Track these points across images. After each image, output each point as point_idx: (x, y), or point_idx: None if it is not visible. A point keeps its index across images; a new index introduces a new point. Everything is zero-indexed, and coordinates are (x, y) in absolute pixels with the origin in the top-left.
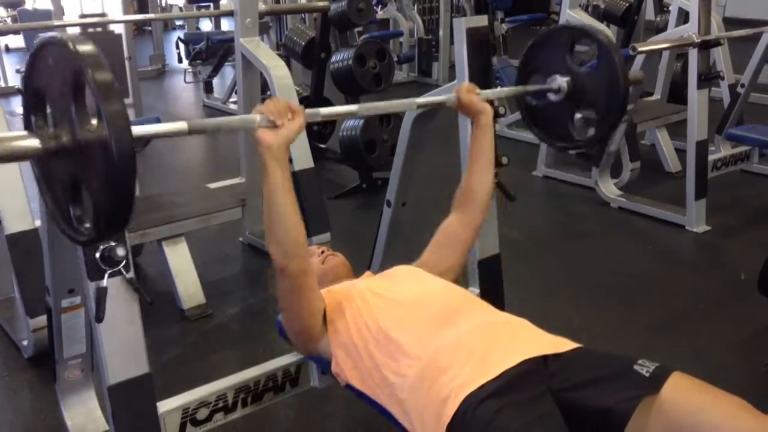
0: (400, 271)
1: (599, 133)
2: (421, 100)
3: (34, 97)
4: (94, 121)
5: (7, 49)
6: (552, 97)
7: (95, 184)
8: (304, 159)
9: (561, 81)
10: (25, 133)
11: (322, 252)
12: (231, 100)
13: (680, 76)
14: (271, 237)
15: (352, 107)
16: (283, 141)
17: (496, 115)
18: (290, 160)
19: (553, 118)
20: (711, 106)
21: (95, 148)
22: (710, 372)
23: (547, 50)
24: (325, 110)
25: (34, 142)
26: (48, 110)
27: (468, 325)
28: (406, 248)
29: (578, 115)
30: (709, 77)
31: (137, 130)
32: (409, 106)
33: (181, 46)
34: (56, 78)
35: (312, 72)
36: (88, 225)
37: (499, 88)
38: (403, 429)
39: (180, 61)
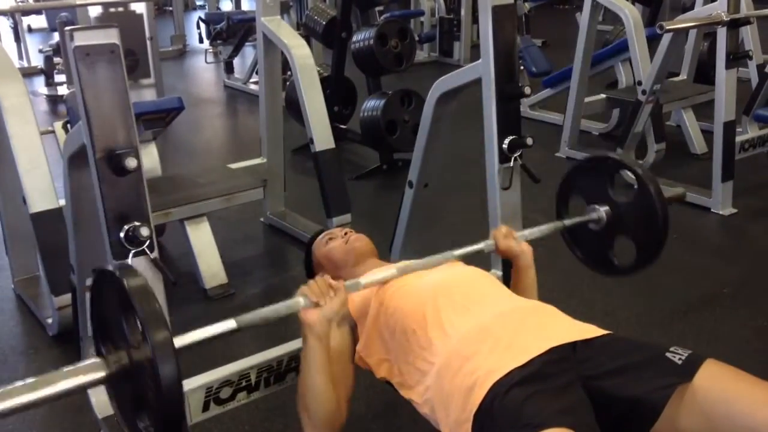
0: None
1: (639, 262)
2: (458, 252)
3: (100, 325)
4: (146, 350)
5: (30, 29)
6: (592, 226)
7: (149, 401)
8: (325, 140)
9: (601, 212)
10: (97, 360)
11: (345, 234)
12: (252, 80)
13: (707, 55)
14: (302, 405)
15: (391, 270)
16: (325, 319)
17: (522, 96)
18: (311, 141)
19: (594, 245)
20: (739, 86)
21: (147, 371)
22: (737, 357)
23: (588, 177)
24: (365, 280)
25: (101, 373)
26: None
27: (493, 312)
28: (427, 229)
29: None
30: (737, 57)
31: (183, 340)
32: (447, 258)
33: (202, 26)
34: (112, 308)
35: (333, 51)
36: None
37: (537, 228)
38: None
39: (201, 41)
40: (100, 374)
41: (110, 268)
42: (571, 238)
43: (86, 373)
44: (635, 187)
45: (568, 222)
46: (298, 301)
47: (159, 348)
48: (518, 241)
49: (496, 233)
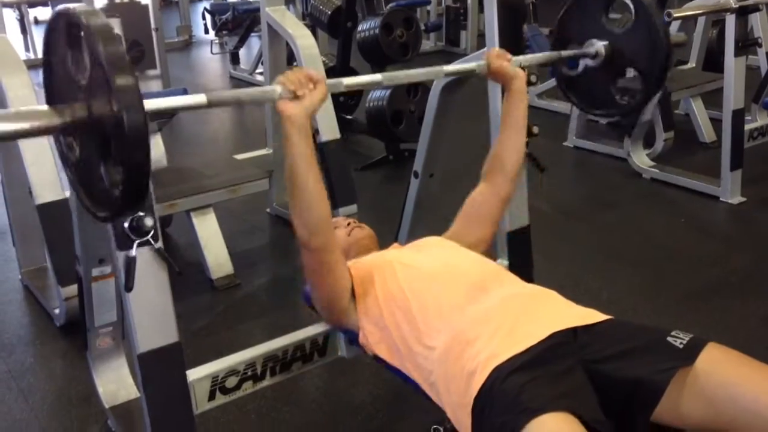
0: (429, 242)
1: (644, 94)
2: (449, 68)
3: (52, 71)
4: (108, 96)
5: (36, 22)
6: (590, 62)
7: (112, 158)
8: (330, 130)
9: (599, 45)
10: (46, 108)
11: (349, 224)
12: (257, 71)
13: (716, 43)
14: (294, 210)
15: (376, 76)
16: (305, 111)
17: (528, 84)
18: (316, 132)
19: (594, 86)
20: (748, 74)
21: (109, 123)
22: (743, 345)
23: (581, 16)
24: (347, 80)
25: (54, 119)
26: (66, 84)
27: (495, 298)
28: (433, 220)
29: (620, 80)
30: (746, 44)
31: (153, 103)
32: (436, 74)
33: (208, 16)
34: (70, 52)
35: (338, 41)
36: (106, 201)
37: (531, 54)
38: (429, 399)
39: (206, 32)
40: (54, 121)
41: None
42: (569, 86)
43: (37, 118)
44: (632, 12)
45: (565, 53)
46: (275, 89)
47: (123, 91)
48: (512, 64)
49: (488, 53)
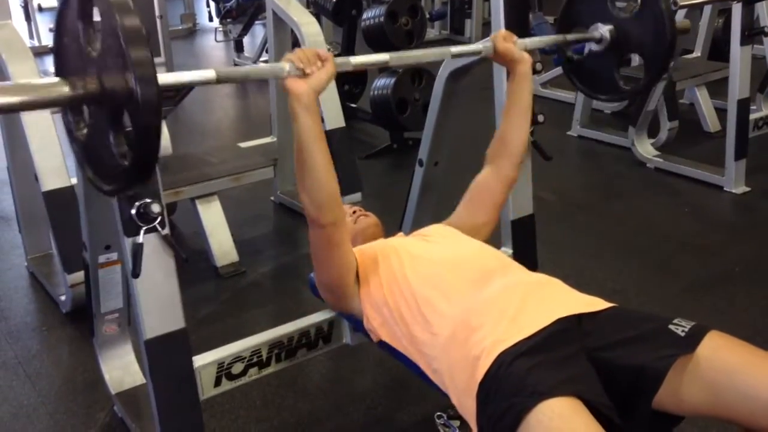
0: (435, 230)
1: (646, 81)
2: (455, 49)
3: (62, 43)
4: (122, 68)
5: (40, 9)
6: (594, 47)
7: (122, 131)
8: (335, 118)
9: (604, 29)
10: (56, 80)
11: (354, 212)
12: (262, 58)
13: (722, 32)
14: (302, 187)
15: (383, 56)
16: (312, 89)
17: (533, 72)
18: (321, 119)
19: (597, 70)
20: (753, 63)
21: (122, 95)
22: (747, 334)
23: (587, 1)
24: (355, 59)
25: (64, 90)
26: (77, 57)
27: (500, 285)
28: (437, 208)
29: (624, 66)
30: (752, 33)
31: (164, 78)
32: (443, 54)
33: (212, 4)
34: (81, 24)
35: (343, 29)
36: (114, 174)
37: (537, 38)
38: (434, 385)
39: (210, 19)
40: (64, 92)
41: None
42: (573, 69)
43: (47, 90)
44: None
45: (570, 36)
46: (283, 66)
47: (139, 65)
48: (518, 47)
49: (494, 36)
